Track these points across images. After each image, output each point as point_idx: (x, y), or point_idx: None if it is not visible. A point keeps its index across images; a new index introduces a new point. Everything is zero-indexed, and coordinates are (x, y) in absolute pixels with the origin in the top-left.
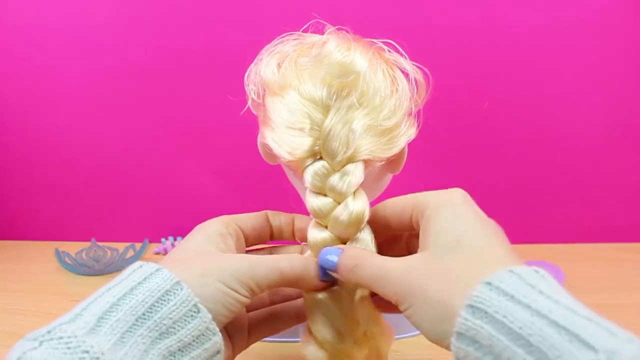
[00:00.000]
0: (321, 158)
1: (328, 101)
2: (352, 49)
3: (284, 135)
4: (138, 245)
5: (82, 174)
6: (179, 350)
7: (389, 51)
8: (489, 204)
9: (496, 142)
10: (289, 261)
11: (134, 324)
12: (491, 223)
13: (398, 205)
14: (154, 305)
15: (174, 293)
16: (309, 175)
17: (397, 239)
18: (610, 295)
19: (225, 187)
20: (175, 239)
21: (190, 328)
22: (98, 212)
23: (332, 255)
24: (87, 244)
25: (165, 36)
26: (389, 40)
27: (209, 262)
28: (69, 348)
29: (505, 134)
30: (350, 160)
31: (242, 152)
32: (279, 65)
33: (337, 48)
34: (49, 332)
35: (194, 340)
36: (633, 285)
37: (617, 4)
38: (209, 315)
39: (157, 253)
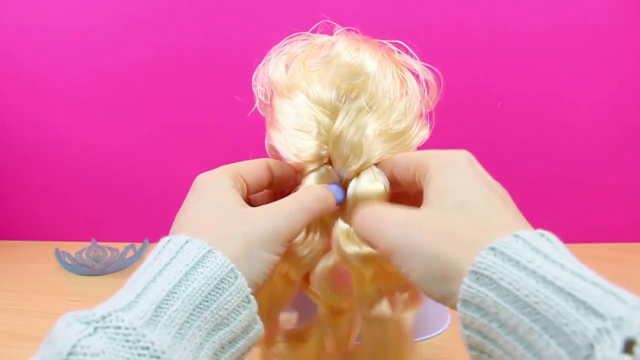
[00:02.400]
0: (327, 163)
1: (337, 103)
2: (361, 50)
3: (290, 138)
4: (138, 245)
5: (82, 174)
6: (229, 342)
7: (398, 52)
8: None
9: (496, 142)
10: (314, 198)
11: (191, 314)
12: (498, 186)
13: (402, 163)
14: (211, 294)
15: (229, 281)
16: (312, 180)
17: (406, 195)
18: None
19: None
20: None
21: (241, 319)
22: (98, 212)
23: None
24: (87, 244)
25: (165, 36)
26: (398, 41)
27: (248, 229)
28: (127, 341)
29: (505, 134)
30: (363, 167)
31: (243, 152)
32: (287, 67)
33: (346, 49)
34: (103, 317)
35: (242, 331)
36: (633, 285)
37: (617, 4)
38: (256, 306)
39: None
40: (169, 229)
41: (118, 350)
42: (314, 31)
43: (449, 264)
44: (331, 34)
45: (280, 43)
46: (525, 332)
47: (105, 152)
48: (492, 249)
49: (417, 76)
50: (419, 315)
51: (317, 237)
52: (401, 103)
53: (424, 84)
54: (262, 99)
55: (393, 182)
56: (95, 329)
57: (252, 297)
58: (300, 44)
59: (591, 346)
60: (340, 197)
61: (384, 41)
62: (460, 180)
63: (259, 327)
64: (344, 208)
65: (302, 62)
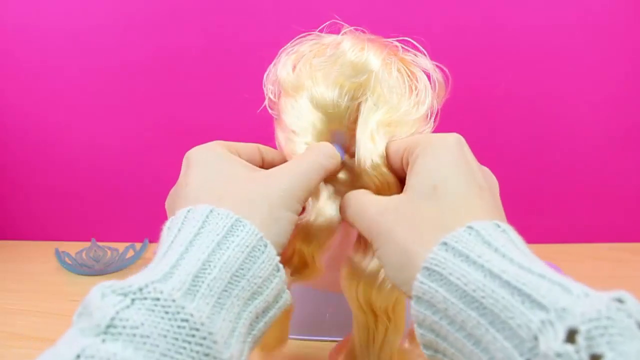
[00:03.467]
0: None
1: (339, 101)
2: (365, 48)
3: (289, 140)
4: (138, 245)
5: (82, 174)
6: (263, 312)
7: (407, 50)
8: None
9: (496, 142)
10: (325, 155)
11: (229, 283)
12: (482, 173)
13: (393, 147)
14: (245, 263)
15: (260, 250)
16: None
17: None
18: None
19: None
20: None
21: (272, 287)
22: (98, 212)
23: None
24: (87, 244)
25: (167, 36)
26: (407, 38)
27: (269, 192)
28: (166, 312)
29: (505, 134)
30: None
31: None
32: (294, 66)
33: (352, 48)
34: (140, 289)
35: (273, 300)
36: (633, 285)
37: (617, 4)
38: (285, 275)
39: None
40: None
41: (157, 322)
42: (321, 31)
43: (409, 255)
44: (339, 33)
45: (290, 42)
46: (473, 327)
47: (106, 152)
48: (445, 244)
49: (427, 74)
50: None
51: (319, 203)
52: (410, 99)
53: (433, 80)
54: (272, 97)
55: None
56: (133, 300)
57: (281, 265)
58: (309, 43)
59: (535, 338)
60: (343, 156)
61: (390, 39)
62: (438, 163)
63: (287, 297)
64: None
65: (309, 62)
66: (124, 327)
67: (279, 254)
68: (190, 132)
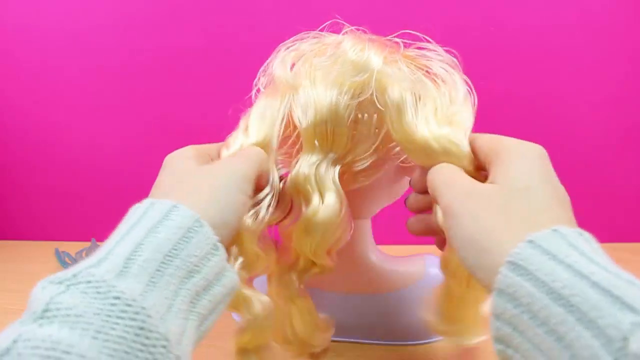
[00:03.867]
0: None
1: (338, 100)
2: (366, 48)
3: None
4: None
5: (82, 174)
6: (203, 289)
7: (409, 45)
8: None
9: None
10: (258, 152)
11: (162, 263)
12: (560, 186)
13: (480, 140)
14: (179, 243)
15: (195, 230)
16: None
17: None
18: None
19: None
20: None
21: (212, 265)
22: (98, 212)
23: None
24: (87, 244)
25: (166, 36)
26: (407, 31)
27: (211, 180)
28: (98, 293)
29: (505, 134)
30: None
31: None
32: (292, 64)
33: (352, 47)
34: (74, 275)
35: (214, 278)
36: None
37: (617, 4)
38: (225, 253)
39: None
40: None
41: (90, 302)
42: (322, 30)
43: (493, 242)
44: (340, 33)
45: (291, 39)
46: (557, 323)
47: (106, 152)
48: (531, 241)
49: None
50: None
51: (315, 199)
52: (441, 88)
53: (447, 61)
54: (261, 86)
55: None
56: (68, 286)
57: (219, 244)
58: (310, 42)
59: (625, 339)
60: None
61: (390, 37)
62: (531, 168)
63: (232, 275)
64: None
65: (308, 61)
66: (58, 309)
67: (226, 235)
68: (190, 132)
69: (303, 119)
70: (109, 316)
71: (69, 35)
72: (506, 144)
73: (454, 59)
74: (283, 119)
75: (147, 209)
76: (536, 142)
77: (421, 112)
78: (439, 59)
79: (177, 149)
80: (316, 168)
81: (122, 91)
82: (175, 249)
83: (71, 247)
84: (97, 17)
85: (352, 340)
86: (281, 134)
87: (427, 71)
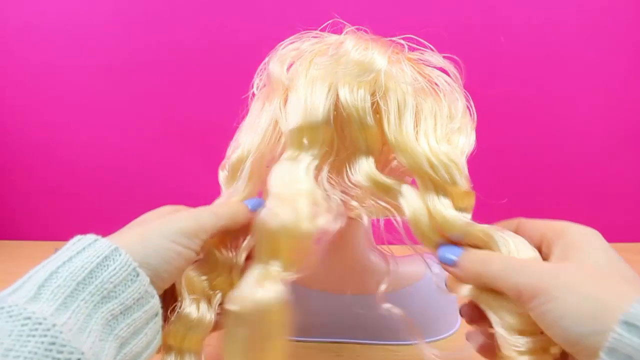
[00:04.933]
0: None
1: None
2: (370, 48)
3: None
4: None
5: (82, 174)
6: (121, 313)
7: (413, 49)
8: (489, 204)
9: (496, 141)
10: (223, 205)
11: (75, 289)
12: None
13: (531, 226)
14: (94, 271)
15: (113, 259)
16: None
17: None
18: None
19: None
20: None
21: (130, 291)
22: (98, 212)
23: (451, 255)
24: None
25: (166, 36)
26: (410, 36)
27: (150, 224)
28: (10, 316)
29: (505, 134)
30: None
31: None
32: (291, 64)
33: (355, 47)
34: None
35: (134, 303)
36: None
37: (618, 4)
38: (147, 279)
39: None
40: None
41: (2, 325)
42: (323, 30)
43: (603, 305)
44: (339, 33)
45: (290, 39)
46: None
47: (106, 152)
48: None
49: (439, 69)
50: (429, 316)
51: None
52: (441, 98)
53: (450, 73)
54: (256, 89)
55: None
56: None
57: (139, 270)
58: (310, 42)
59: None
60: (259, 206)
61: (394, 38)
62: (600, 246)
63: (155, 302)
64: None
65: (307, 60)
66: None
67: (156, 278)
68: (190, 133)
69: (292, 118)
70: (20, 335)
71: (69, 35)
72: (565, 225)
73: (455, 71)
74: (276, 123)
75: (74, 243)
76: (536, 142)
77: (423, 124)
78: (440, 64)
79: (177, 148)
80: (305, 165)
81: (122, 91)
82: (90, 277)
83: None
84: (97, 17)
85: (351, 340)
86: (273, 136)
87: (428, 80)
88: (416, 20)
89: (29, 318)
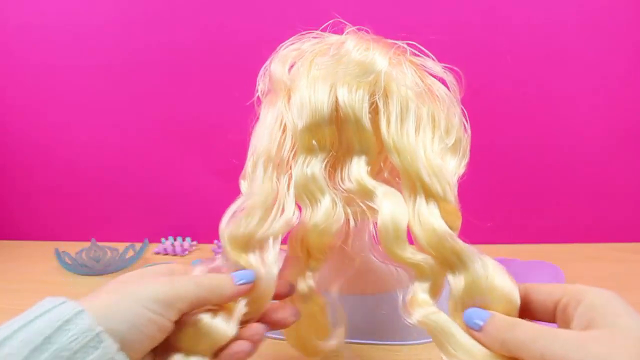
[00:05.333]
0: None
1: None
2: (371, 48)
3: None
4: (138, 245)
5: (82, 174)
6: None
7: (413, 52)
8: (489, 203)
9: (496, 141)
10: (206, 275)
11: (26, 357)
12: None
13: (544, 289)
14: (52, 336)
15: (75, 322)
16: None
17: None
18: None
19: (225, 187)
20: (175, 239)
21: (92, 358)
22: (98, 212)
23: (478, 320)
24: (87, 244)
25: (166, 36)
26: (412, 42)
27: (124, 287)
28: None
29: (505, 134)
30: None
31: (243, 151)
32: (292, 64)
33: (356, 47)
34: None
35: None
36: (633, 285)
37: (618, 4)
38: (115, 345)
39: (157, 253)
40: (169, 229)
41: None
42: (323, 30)
43: None
44: (340, 33)
45: (290, 39)
46: None
47: (106, 152)
48: None
49: (435, 77)
50: None
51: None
52: (437, 105)
53: (449, 84)
54: (262, 94)
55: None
56: None
57: (104, 335)
58: (311, 42)
59: None
60: (247, 279)
61: (397, 42)
62: (624, 310)
63: None
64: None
65: (309, 60)
66: None
67: (136, 349)
68: (191, 133)
69: (299, 119)
70: None
71: (69, 35)
72: (582, 289)
73: (455, 82)
74: (281, 123)
75: (41, 304)
76: (536, 142)
77: (422, 133)
78: (440, 74)
79: (177, 149)
80: (320, 169)
81: (122, 91)
82: (47, 342)
83: (71, 247)
84: (97, 17)
85: (351, 340)
86: (281, 139)
87: (429, 88)
88: (416, 20)
89: None
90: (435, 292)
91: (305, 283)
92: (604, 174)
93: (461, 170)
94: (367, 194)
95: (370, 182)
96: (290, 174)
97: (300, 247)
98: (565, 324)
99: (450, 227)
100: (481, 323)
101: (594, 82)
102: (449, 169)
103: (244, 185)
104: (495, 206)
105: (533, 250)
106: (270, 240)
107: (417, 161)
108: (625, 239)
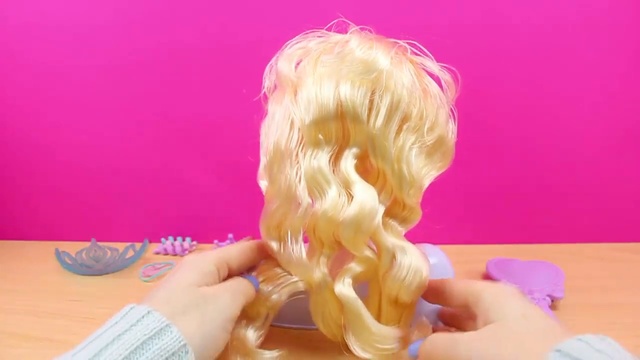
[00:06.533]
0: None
1: (345, 98)
2: (374, 47)
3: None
4: (138, 245)
5: (82, 174)
6: None
7: (413, 52)
8: (490, 203)
9: (496, 141)
10: (245, 287)
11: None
12: (545, 313)
13: (455, 288)
14: (145, 344)
15: (180, 356)
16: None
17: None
18: (610, 295)
19: (225, 187)
20: (175, 239)
21: None
22: (98, 212)
23: (414, 349)
24: (87, 244)
25: (166, 35)
26: (413, 42)
27: (202, 309)
28: None
29: (505, 134)
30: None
31: (243, 152)
32: (298, 62)
33: (360, 46)
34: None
35: None
36: (633, 285)
37: (618, 4)
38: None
39: (157, 253)
40: (169, 229)
41: None
42: (328, 29)
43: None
44: (343, 32)
45: (296, 38)
46: None
47: (106, 152)
48: (559, 350)
49: (432, 75)
50: (426, 305)
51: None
52: (428, 104)
53: (443, 83)
54: (267, 92)
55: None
56: None
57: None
58: (316, 41)
59: None
60: (257, 285)
61: (399, 41)
62: (516, 302)
63: None
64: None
65: (314, 59)
66: None
67: (215, 350)
68: (190, 132)
69: (306, 115)
70: None
71: (69, 34)
72: (485, 287)
73: (452, 81)
74: (289, 118)
75: (143, 317)
76: (536, 142)
77: (404, 133)
78: (436, 73)
79: (177, 149)
80: (325, 161)
81: (122, 91)
82: (142, 348)
83: (71, 247)
84: (97, 17)
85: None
86: (290, 134)
87: (423, 89)
88: (417, 20)
89: None
90: (358, 281)
91: (320, 270)
92: (604, 174)
93: (440, 167)
94: (349, 185)
95: (354, 176)
96: (299, 167)
97: (315, 237)
98: (473, 319)
99: (405, 221)
100: (415, 351)
101: (594, 82)
102: (422, 167)
103: (263, 185)
104: (495, 206)
105: (533, 250)
106: (289, 232)
107: (389, 159)
108: (625, 239)
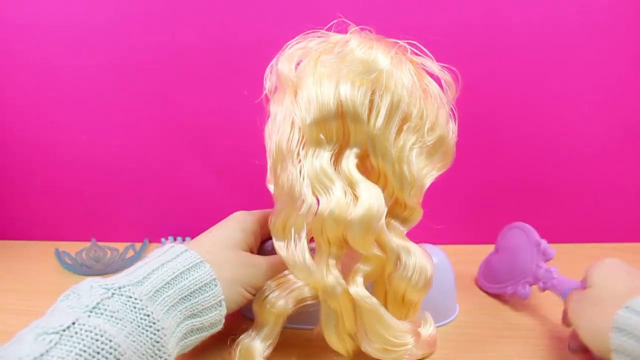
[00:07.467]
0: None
1: (344, 98)
2: (374, 47)
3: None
4: (138, 245)
5: (82, 174)
6: (197, 330)
7: (413, 52)
8: (490, 203)
9: (496, 141)
10: (283, 266)
11: (177, 302)
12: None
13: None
14: (194, 292)
15: (210, 287)
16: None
17: None
18: None
19: (225, 187)
20: (175, 239)
21: (211, 317)
22: (98, 212)
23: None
24: (87, 244)
25: (167, 35)
26: (414, 42)
27: (237, 269)
28: (135, 307)
29: (506, 134)
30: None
31: (243, 152)
32: (298, 62)
33: (360, 46)
34: (120, 287)
35: (209, 326)
36: None
37: (618, 4)
38: (225, 311)
39: None
40: (169, 229)
41: (128, 312)
42: (328, 29)
43: (600, 326)
44: (343, 32)
45: (296, 38)
46: None
47: (106, 152)
48: (627, 307)
49: (432, 75)
50: (428, 304)
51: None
52: (428, 104)
53: (443, 83)
54: (268, 93)
55: None
56: (113, 294)
57: (224, 302)
58: (316, 41)
59: None
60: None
61: (399, 41)
62: (603, 271)
63: (220, 326)
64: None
65: (314, 59)
66: (105, 309)
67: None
68: (190, 132)
69: (307, 114)
70: (139, 325)
71: (69, 34)
72: (592, 264)
73: (452, 81)
74: (290, 119)
75: (182, 253)
76: (536, 142)
77: (404, 134)
78: (436, 73)
79: (177, 149)
80: (327, 160)
81: (122, 91)
82: (190, 295)
83: (71, 247)
84: (97, 17)
85: None
86: (291, 134)
87: (424, 89)
88: (417, 20)
89: (148, 315)
90: (368, 280)
91: (331, 274)
92: (605, 174)
93: (441, 167)
94: (352, 185)
95: (357, 175)
96: (301, 166)
97: (322, 237)
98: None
99: (406, 221)
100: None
101: (594, 82)
102: (423, 167)
103: (271, 188)
104: (495, 206)
105: None
106: (293, 230)
107: (389, 159)
108: (625, 239)
